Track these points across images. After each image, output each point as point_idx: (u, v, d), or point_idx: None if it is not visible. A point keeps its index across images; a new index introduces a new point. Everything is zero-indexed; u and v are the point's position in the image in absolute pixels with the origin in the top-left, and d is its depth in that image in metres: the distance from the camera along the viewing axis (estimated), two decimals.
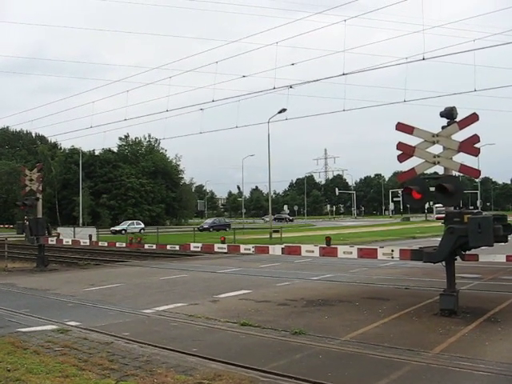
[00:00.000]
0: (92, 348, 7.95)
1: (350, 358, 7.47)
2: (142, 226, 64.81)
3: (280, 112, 38.53)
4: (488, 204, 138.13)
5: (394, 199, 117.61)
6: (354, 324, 9.50)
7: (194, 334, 8.97)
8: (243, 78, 25.51)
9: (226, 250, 15.43)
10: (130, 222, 66.78)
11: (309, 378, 6.47)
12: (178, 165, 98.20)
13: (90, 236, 31.93)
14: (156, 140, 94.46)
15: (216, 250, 15.06)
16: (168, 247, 18.00)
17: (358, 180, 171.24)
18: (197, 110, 27.23)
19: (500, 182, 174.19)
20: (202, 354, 7.60)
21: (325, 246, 12.36)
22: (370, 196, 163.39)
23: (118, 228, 61.71)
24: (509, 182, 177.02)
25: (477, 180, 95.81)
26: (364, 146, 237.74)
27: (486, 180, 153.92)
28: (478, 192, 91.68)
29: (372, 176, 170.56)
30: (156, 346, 8.06)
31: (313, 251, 12.15)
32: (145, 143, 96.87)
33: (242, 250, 14.60)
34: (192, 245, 16.28)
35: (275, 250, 13.10)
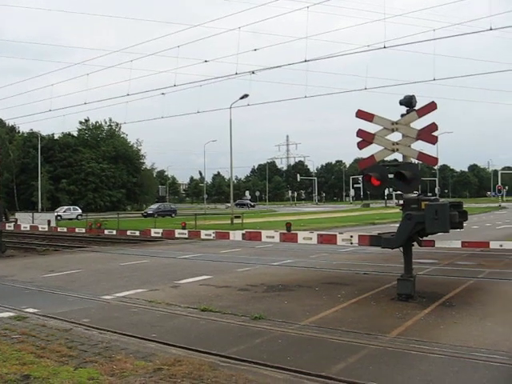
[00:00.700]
0: (50, 335, 7.86)
1: (308, 343, 7.56)
2: (79, 211, 62.73)
3: (242, 98, 38.40)
4: (446, 191, 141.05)
5: (355, 185, 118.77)
6: (313, 309, 9.62)
7: (154, 320, 8.95)
8: (205, 63, 25.39)
9: (186, 236, 15.36)
10: (66, 207, 64.61)
11: (268, 362, 6.54)
12: (140, 150, 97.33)
13: (49, 221, 31.40)
14: (117, 124, 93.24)
15: (177, 235, 14.98)
16: (128, 233, 17.83)
17: (320, 166, 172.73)
18: (158, 95, 27.04)
19: (458, 170, 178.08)
20: (162, 339, 7.60)
21: (285, 231, 12.40)
22: (331, 182, 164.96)
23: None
24: (466, 170, 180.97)
25: (435, 167, 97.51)
26: (326, 133, 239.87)
27: (444, 167, 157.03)
28: (437, 179, 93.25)
29: (333, 162, 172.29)
30: (116, 332, 8.02)
31: (273, 237, 12.21)
32: (105, 127, 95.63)
33: (202, 236, 14.56)
34: (153, 230, 16.16)
35: (236, 235, 13.12)
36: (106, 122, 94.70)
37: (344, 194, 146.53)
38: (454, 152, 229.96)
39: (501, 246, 11.72)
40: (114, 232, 19.14)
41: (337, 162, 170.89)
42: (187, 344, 7.36)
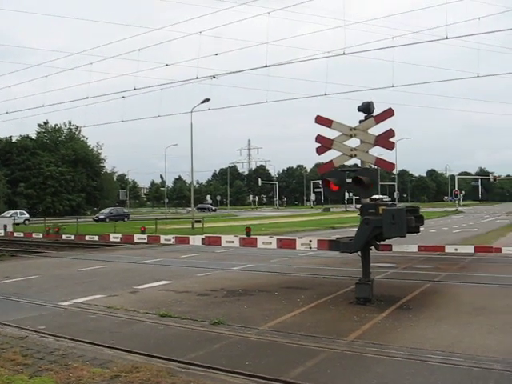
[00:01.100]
0: (5, 343, 7.68)
1: (267, 347, 7.58)
2: (27, 216, 60.36)
3: (203, 102, 38.31)
4: (405, 195, 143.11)
5: (316, 190, 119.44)
6: (272, 313, 9.64)
7: (113, 326, 8.85)
8: (166, 67, 25.27)
9: (146, 241, 15.25)
10: (12, 212, 61.02)
11: (227, 367, 6.54)
12: (100, 153, 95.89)
13: (5, 226, 30.70)
14: (77, 127, 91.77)
15: (136, 240, 14.87)
16: (87, 238, 17.61)
17: (281, 171, 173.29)
18: (118, 98, 26.78)
19: (416, 175, 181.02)
20: (120, 346, 7.52)
21: (245, 236, 12.45)
22: (292, 187, 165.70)
23: None
24: (424, 175, 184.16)
25: (394, 172, 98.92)
26: (287, 138, 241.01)
27: (403, 172, 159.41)
28: (396, 184, 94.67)
29: (294, 167, 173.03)
30: (73, 340, 7.89)
31: (233, 242, 12.23)
32: (65, 130, 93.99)
33: (162, 241, 14.49)
34: (111, 235, 16.01)
35: (195, 240, 13.09)
36: (65, 125, 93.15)
37: (305, 198, 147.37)
38: (412, 157, 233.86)
39: (456, 249, 11.97)
40: (73, 237, 18.87)
41: (298, 166, 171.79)
42: (145, 350, 7.30)
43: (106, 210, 66.81)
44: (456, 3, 19.74)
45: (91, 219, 60.13)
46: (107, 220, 57.70)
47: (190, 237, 13.53)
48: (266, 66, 22.12)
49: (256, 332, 8.40)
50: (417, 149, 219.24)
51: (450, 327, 8.60)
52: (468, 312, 9.70)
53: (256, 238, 12.02)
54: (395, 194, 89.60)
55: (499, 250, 13.24)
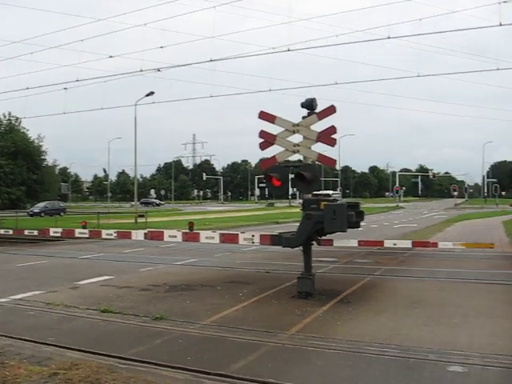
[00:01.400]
0: None
1: (209, 342, 7.61)
2: None
3: (148, 95, 37.84)
4: (348, 191, 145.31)
5: (260, 185, 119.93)
6: (214, 308, 9.67)
7: (52, 323, 8.69)
8: (110, 59, 24.90)
9: (87, 235, 15.00)
10: None
11: (168, 362, 6.53)
12: (41, 145, 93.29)
13: None
14: (17, 119, 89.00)
15: (77, 235, 14.62)
16: (26, 232, 17.18)
17: (226, 165, 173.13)
18: (60, 90, 26.20)
19: (359, 171, 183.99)
20: (59, 343, 7.39)
21: (188, 231, 12.41)
22: (237, 181, 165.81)
23: None
24: (367, 171, 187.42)
25: (337, 168, 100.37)
26: (232, 132, 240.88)
27: (346, 169, 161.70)
28: (339, 180, 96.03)
29: (239, 162, 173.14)
30: (10, 337, 7.70)
31: (175, 236, 12.19)
32: (4, 122, 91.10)
33: (103, 235, 14.29)
34: (52, 230, 15.67)
35: (138, 235, 12.98)
36: (4, 116, 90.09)
37: (249, 193, 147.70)
38: (355, 154, 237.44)
39: (395, 244, 12.29)
40: (11, 231, 18.37)
41: (243, 161, 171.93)
42: (86, 347, 7.20)
43: (41, 204, 64.57)
44: (398, 4, 20.19)
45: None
46: (42, 214, 56.10)
47: (133, 231, 13.42)
48: (210, 61, 22.11)
49: (198, 327, 8.41)
50: (360, 145, 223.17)
51: (388, 320, 8.83)
52: (405, 305, 9.98)
53: (199, 233, 12.01)
54: (338, 189, 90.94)
55: (435, 244, 13.70)
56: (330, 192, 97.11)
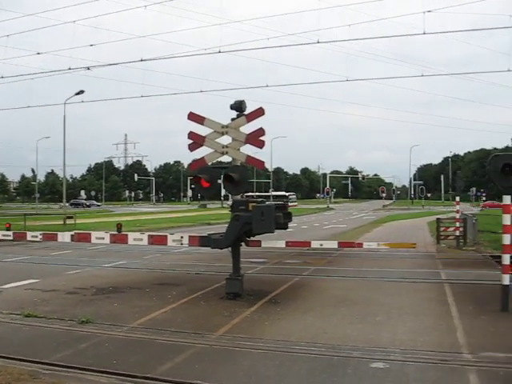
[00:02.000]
0: None
1: (136, 345, 7.53)
2: None
3: (78, 94, 36.96)
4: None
5: (192, 186, 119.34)
6: (142, 310, 9.57)
7: None
8: (38, 55, 24.24)
9: (11, 238, 14.53)
10: None
11: (93, 367, 6.42)
12: None
13: None
14: None
15: (0, 237, 14.14)
16: None
17: (158, 166, 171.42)
18: None
19: (291, 173, 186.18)
20: None
21: (116, 232, 12.22)
22: (169, 183, 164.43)
23: None
24: (298, 173, 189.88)
25: (269, 170, 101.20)
26: (164, 133, 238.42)
27: (278, 170, 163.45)
28: (271, 181, 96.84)
29: (172, 163, 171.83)
30: None
31: (103, 238, 11.98)
32: None
33: (29, 237, 13.87)
34: None
35: (65, 237, 12.66)
36: None
37: (182, 194, 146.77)
38: (287, 156, 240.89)
39: (321, 245, 12.52)
40: None
41: (175, 162, 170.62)
42: (7, 353, 6.98)
43: None
44: (328, 10, 20.63)
45: None
46: None
47: (59, 233, 13.07)
48: (141, 60, 21.89)
49: (125, 330, 8.31)
50: (292, 147, 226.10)
51: (315, 319, 8.99)
52: (332, 304, 10.18)
53: (127, 235, 11.85)
54: (270, 190, 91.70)
55: (361, 245, 14.06)
56: (287, 194, 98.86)
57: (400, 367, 6.53)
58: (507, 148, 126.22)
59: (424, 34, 18.51)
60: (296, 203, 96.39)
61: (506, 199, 9.69)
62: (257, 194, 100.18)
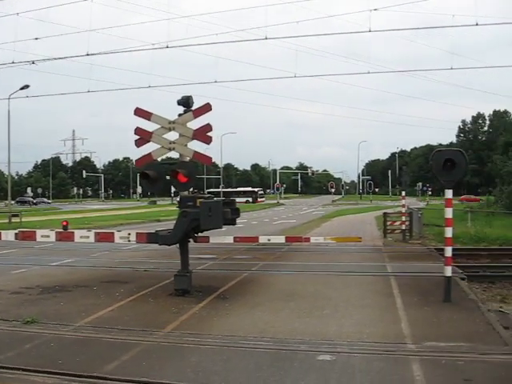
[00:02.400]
0: None
1: (83, 344, 7.44)
2: None
3: (22, 88, 36.12)
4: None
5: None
6: (89, 309, 9.44)
7: None
8: None
9: None
10: None
11: (38, 367, 6.31)
12: None
13: None
14: None
15: None
16: None
17: (107, 163, 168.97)
18: None
19: (241, 168, 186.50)
20: None
21: (62, 230, 11.97)
22: (119, 179, 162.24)
23: None
24: (248, 169, 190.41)
25: (220, 166, 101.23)
26: (113, 129, 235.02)
27: (229, 166, 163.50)
28: (221, 177, 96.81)
29: (121, 159, 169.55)
30: None
31: (49, 236, 11.74)
32: None
33: None
34: None
35: (8, 235, 12.32)
36: None
37: (131, 191, 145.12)
38: (238, 151, 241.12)
39: (269, 240, 12.60)
40: None
41: (124, 158, 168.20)
42: None
43: None
44: (276, 6, 20.78)
45: None
46: None
47: (2, 232, 12.71)
48: (87, 55, 21.55)
49: (72, 329, 8.19)
50: (242, 143, 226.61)
51: (263, 314, 9.04)
52: (280, 298, 10.26)
53: (73, 232, 11.64)
54: (221, 186, 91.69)
55: (308, 239, 14.24)
56: (256, 189, 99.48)
57: (346, 359, 6.66)
58: (451, 144, 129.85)
59: (370, 31, 18.84)
60: (264, 198, 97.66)
61: (448, 193, 9.98)
62: (232, 189, 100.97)
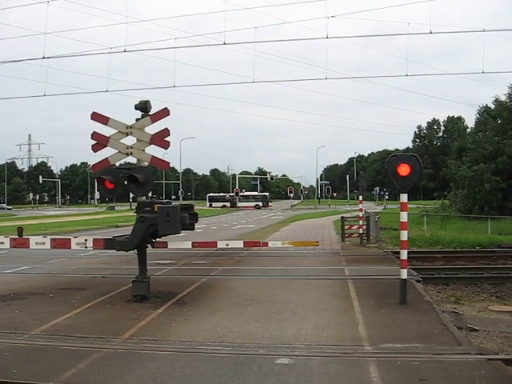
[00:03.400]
0: None
1: (38, 352, 7.29)
2: None
3: None
4: (189, 193, 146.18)
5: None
6: (45, 316, 9.26)
7: None
8: None
9: None
10: None
11: None
12: None
13: None
14: None
15: None
16: None
17: (64, 168, 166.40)
18: None
19: (200, 173, 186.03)
20: None
21: (16, 237, 11.72)
22: (76, 185, 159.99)
23: None
24: (208, 174, 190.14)
25: (179, 171, 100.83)
26: (70, 133, 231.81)
27: (188, 171, 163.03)
28: (180, 182, 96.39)
29: (78, 164, 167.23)
30: None
31: (3, 243, 11.49)
32: None
33: None
34: None
35: None
36: None
37: (89, 196, 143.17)
38: (197, 157, 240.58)
39: (227, 245, 12.62)
40: None
41: (82, 163, 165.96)
42: None
43: None
44: (235, 12, 20.90)
45: None
46: None
47: None
48: (43, 58, 21.23)
49: (27, 337, 8.02)
50: (201, 148, 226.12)
51: (222, 319, 9.04)
52: (239, 303, 10.28)
53: (28, 239, 11.42)
54: (180, 191, 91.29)
55: (266, 244, 14.28)
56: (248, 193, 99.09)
57: (304, 362, 6.72)
58: (408, 149, 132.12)
59: (327, 38, 19.06)
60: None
61: (403, 197, 10.18)
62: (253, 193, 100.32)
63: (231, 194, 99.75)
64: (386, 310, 9.59)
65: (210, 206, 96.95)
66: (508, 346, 8.32)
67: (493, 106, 51.77)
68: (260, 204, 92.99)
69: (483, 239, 24.55)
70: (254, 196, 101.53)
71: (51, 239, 11.22)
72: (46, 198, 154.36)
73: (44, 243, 11.08)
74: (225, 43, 18.68)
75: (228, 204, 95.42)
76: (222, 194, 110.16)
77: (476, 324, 9.59)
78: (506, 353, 7.75)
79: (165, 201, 10.83)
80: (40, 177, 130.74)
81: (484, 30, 18.91)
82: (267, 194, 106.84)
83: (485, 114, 54.25)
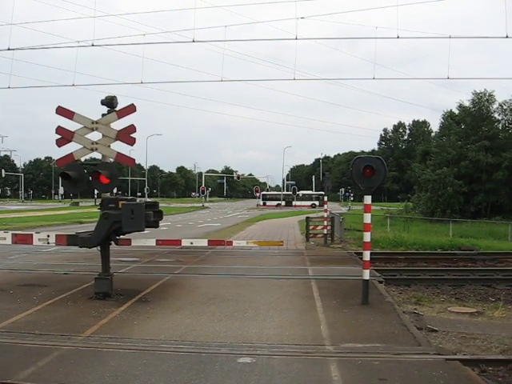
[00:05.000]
0: None
1: None
2: None
3: None
4: (155, 191, 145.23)
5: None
6: (5, 313, 9.10)
7: None
8: None
9: None
10: None
11: None
12: None
13: None
14: None
15: None
16: None
17: (28, 162, 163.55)
18: None
19: (166, 171, 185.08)
20: None
21: None
22: (40, 179, 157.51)
23: None
24: (174, 171, 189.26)
25: (145, 168, 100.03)
26: (35, 127, 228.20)
27: (154, 168, 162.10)
28: (146, 179, 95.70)
29: (42, 158, 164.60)
30: None
31: None
32: None
33: None
34: None
35: None
36: None
37: (53, 191, 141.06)
38: (164, 154, 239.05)
39: (191, 243, 12.56)
40: None
41: (46, 158, 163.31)
42: None
43: None
44: (205, 10, 20.79)
45: None
46: None
47: None
48: (8, 49, 20.87)
49: None
50: (168, 145, 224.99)
51: (185, 317, 9.03)
52: (202, 302, 10.27)
53: None
54: (145, 189, 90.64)
55: (230, 243, 14.29)
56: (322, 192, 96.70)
57: (266, 361, 6.75)
58: (373, 151, 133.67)
59: (296, 39, 19.14)
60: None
61: (367, 199, 10.30)
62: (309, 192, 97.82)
63: (287, 193, 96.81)
64: (348, 310, 9.70)
65: (264, 204, 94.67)
66: (466, 347, 8.48)
67: (457, 112, 52.79)
68: (316, 203, 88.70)
69: (445, 241, 25.04)
70: (310, 195, 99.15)
71: (12, 234, 11.03)
72: (9, 192, 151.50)
73: (5, 238, 10.88)
74: (194, 41, 18.62)
75: (283, 203, 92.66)
76: (276, 193, 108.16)
77: (435, 325, 9.75)
78: (463, 353, 7.92)
79: (129, 198, 10.76)
80: (2, 170, 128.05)
81: (450, 37, 19.16)
82: (323, 193, 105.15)
83: (449, 118, 55.31)
